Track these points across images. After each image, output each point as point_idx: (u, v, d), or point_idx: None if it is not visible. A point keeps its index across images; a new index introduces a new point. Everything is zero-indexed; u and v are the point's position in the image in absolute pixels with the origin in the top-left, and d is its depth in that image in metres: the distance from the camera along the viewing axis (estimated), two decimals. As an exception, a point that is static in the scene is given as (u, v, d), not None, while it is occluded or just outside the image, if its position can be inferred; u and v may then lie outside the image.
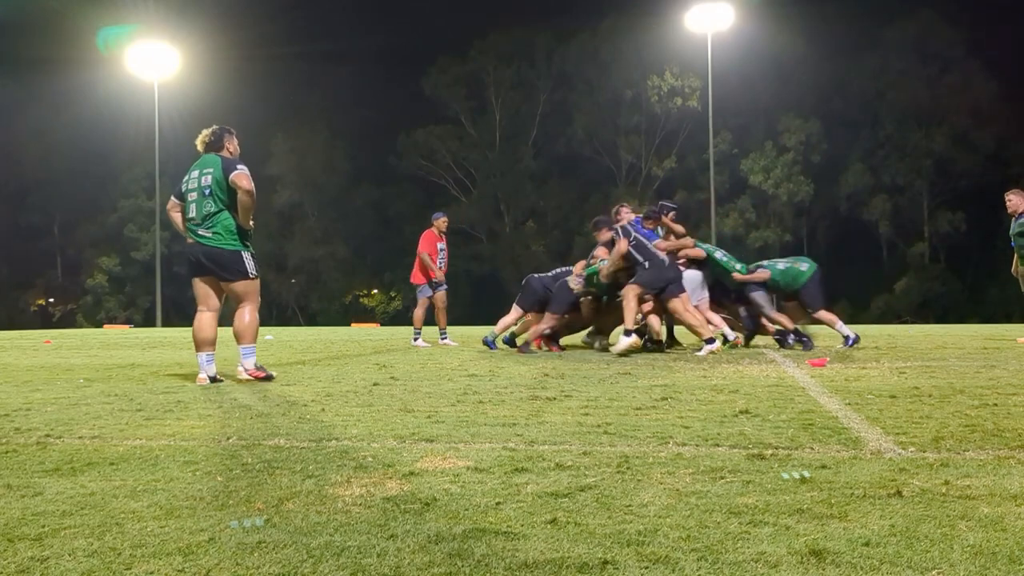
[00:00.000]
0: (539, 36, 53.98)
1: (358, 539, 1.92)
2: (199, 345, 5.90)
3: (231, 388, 5.35)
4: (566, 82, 54.14)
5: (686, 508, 2.17)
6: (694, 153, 50.29)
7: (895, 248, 50.65)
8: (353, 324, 40.93)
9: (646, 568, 1.72)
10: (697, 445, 3.07)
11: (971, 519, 2.04)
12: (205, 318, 5.98)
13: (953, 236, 48.04)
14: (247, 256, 5.91)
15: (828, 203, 49.70)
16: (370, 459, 2.86)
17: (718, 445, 3.07)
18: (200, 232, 5.86)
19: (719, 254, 9.21)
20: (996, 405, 4.08)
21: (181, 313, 49.11)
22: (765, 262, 9.32)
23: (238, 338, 5.97)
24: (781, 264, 9.12)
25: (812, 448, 2.99)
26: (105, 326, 37.77)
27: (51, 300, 57.00)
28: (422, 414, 3.94)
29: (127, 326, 37.42)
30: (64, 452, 3.07)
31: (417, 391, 4.98)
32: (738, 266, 9.08)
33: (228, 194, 5.81)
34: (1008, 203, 10.20)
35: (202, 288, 6.00)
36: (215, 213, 5.82)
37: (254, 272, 5.97)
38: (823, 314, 8.91)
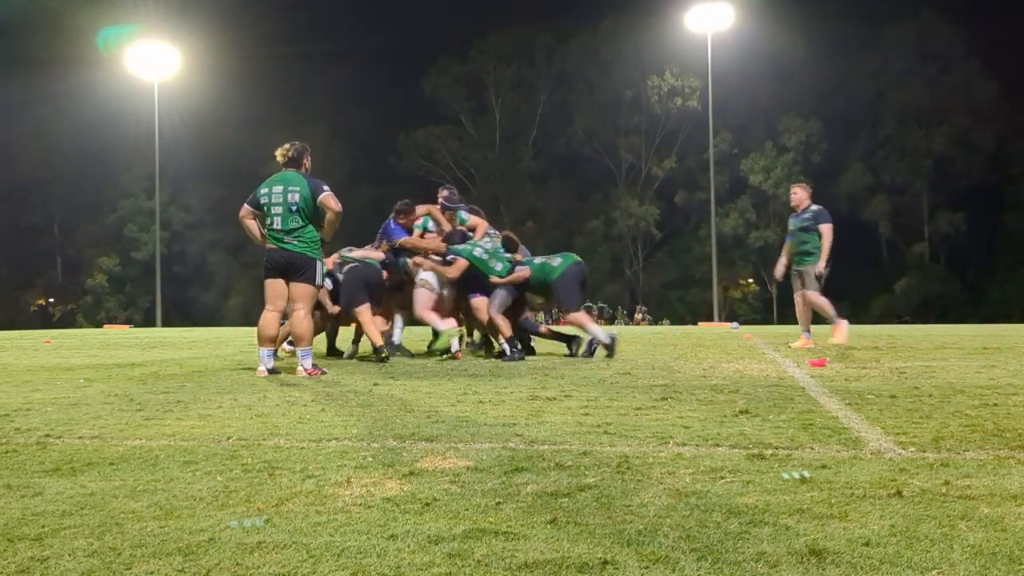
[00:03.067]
0: (539, 36, 53.95)
1: (358, 539, 1.93)
2: (262, 341, 6.46)
3: (232, 388, 5.35)
4: (566, 82, 54.13)
5: (686, 508, 2.17)
6: (694, 153, 50.27)
7: (895, 248, 50.65)
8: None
9: (646, 568, 1.72)
10: (697, 445, 3.07)
11: (971, 519, 2.04)
12: (271, 317, 6.49)
13: (953, 236, 48.06)
14: (319, 265, 6.50)
15: (828, 203, 49.06)
16: (370, 459, 2.86)
17: (718, 445, 3.07)
18: (286, 240, 6.38)
19: (478, 251, 8.10)
20: (996, 405, 4.08)
21: (181, 313, 49.12)
22: (525, 259, 8.38)
23: (297, 341, 6.50)
24: (539, 259, 8.24)
25: (812, 448, 2.99)
26: (105, 326, 37.74)
27: (51, 300, 56.95)
28: (422, 414, 3.94)
29: (127, 326, 37.39)
30: (64, 452, 3.07)
31: (417, 391, 4.98)
32: (499, 267, 8.06)
33: (314, 211, 6.39)
34: (793, 196, 9.62)
35: (274, 289, 6.46)
36: (301, 227, 6.37)
37: (320, 282, 6.58)
38: (574, 316, 8.11)
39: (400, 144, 54.52)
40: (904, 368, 6.35)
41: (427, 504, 2.23)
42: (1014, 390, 4.72)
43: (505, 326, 7.84)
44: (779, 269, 9.69)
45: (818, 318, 9.73)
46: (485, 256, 8.10)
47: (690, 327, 27.08)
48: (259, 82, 50.29)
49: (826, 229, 9.22)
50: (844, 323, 9.52)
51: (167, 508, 2.23)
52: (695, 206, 50.15)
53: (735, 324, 24.52)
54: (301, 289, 6.41)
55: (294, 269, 6.38)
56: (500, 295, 7.97)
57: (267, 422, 3.76)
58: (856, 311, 45.67)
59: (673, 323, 39.60)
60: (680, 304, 49.27)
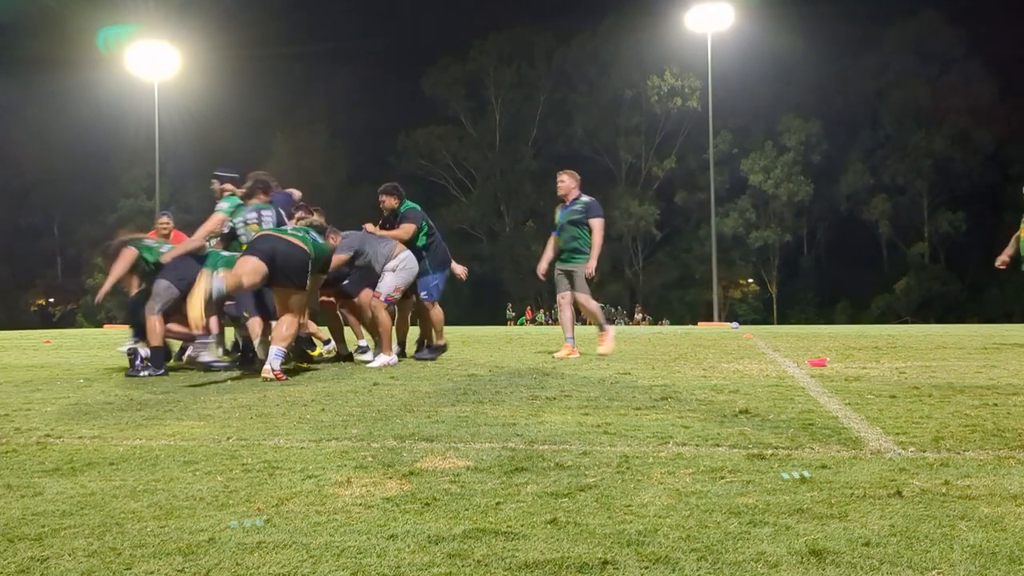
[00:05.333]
0: (539, 36, 54.00)
1: (358, 539, 1.92)
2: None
3: (232, 388, 5.35)
4: (566, 82, 54.15)
5: (686, 508, 2.17)
6: (694, 153, 50.28)
7: (895, 248, 50.67)
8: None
9: (646, 568, 1.72)
10: (697, 445, 3.07)
11: (971, 519, 2.04)
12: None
13: (953, 236, 48.07)
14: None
15: (828, 203, 49.71)
16: (370, 459, 2.86)
17: (718, 445, 3.06)
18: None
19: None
20: (996, 405, 4.07)
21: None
22: (272, 226, 6.80)
23: (274, 339, 6.22)
24: (313, 234, 6.48)
25: (812, 448, 2.99)
26: (105, 326, 37.71)
27: (51, 300, 56.96)
28: (422, 414, 3.94)
29: (128, 326, 37.32)
30: (64, 452, 3.07)
31: (417, 391, 4.98)
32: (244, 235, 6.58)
33: None
34: (560, 185, 8.49)
35: (280, 296, 6.46)
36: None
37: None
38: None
39: (400, 144, 54.50)
40: (904, 368, 6.35)
41: (427, 504, 2.23)
42: (1014, 390, 4.72)
43: (181, 328, 6.69)
44: (542, 266, 8.56)
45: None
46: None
47: (690, 327, 27.06)
48: (259, 82, 50.34)
49: (597, 224, 8.15)
50: (611, 331, 8.60)
51: (167, 508, 2.23)
52: (695, 206, 50.16)
53: (735, 324, 24.54)
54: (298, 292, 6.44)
55: (292, 274, 6.36)
56: (162, 288, 6.59)
57: (267, 422, 3.76)
58: (856, 311, 45.72)
59: (673, 323, 39.60)
60: (680, 304, 49.26)
